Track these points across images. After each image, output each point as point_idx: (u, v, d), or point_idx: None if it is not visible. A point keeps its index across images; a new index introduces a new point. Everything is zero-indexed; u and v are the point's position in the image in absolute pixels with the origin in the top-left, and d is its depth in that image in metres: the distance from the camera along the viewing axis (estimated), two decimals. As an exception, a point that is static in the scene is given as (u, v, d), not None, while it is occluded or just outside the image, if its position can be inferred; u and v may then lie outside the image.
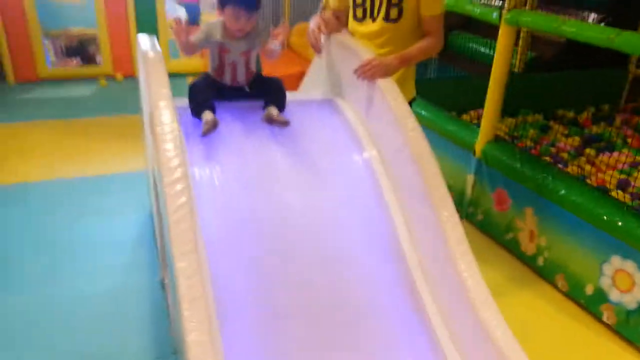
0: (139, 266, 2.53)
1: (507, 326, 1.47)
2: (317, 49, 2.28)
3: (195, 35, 1.96)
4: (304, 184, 1.85)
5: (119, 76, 5.33)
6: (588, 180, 2.70)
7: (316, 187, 1.86)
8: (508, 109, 3.99)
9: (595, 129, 3.70)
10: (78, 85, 5.14)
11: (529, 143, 3.30)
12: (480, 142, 2.95)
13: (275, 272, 1.64)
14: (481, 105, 2.97)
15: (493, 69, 2.82)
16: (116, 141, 3.87)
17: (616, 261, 2.24)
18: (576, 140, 3.42)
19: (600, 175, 2.89)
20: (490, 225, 2.95)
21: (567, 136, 3.57)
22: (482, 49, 4.63)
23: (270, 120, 1.94)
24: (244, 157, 1.86)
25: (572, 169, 2.93)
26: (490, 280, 2.50)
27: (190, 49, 1.97)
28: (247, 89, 2.06)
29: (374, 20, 2.14)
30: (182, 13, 5.81)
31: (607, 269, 2.28)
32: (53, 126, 4.14)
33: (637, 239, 2.14)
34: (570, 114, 4.06)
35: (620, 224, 2.20)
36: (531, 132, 3.65)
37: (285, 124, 1.93)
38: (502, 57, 2.76)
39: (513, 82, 4.53)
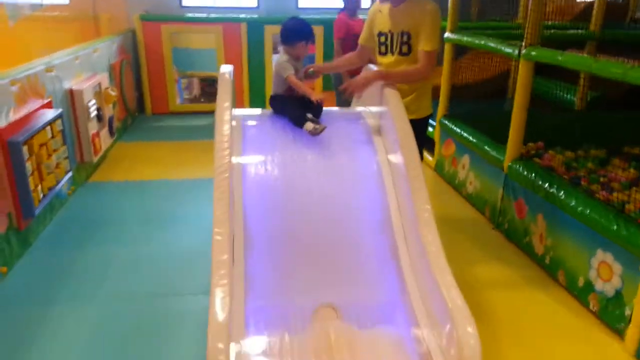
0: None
1: (453, 279, 1.84)
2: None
3: (289, 72, 2.63)
4: (325, 167, 2.49)
5: (230, 111, 6.43)
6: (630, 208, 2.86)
7: (334, 169, 2.49)
8: (569, 143, 4.31)
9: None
10: (198, 118, 6.32)
11: (561, 169, 3.62)
12: (506, 161, 3.39)
13: (293, 220, 2.30)
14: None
15: (515, 99, 3.27)
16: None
17: (600, 254, 2.57)
18: (632, 173, 3.58)
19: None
20: (514, 231, 3.33)
21: (624, 169, 3.79)
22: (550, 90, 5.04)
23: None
24: (286, 148, 2.55)
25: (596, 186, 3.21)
26: (507, 278, 3.02)
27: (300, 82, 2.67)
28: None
29: (392, 54, 2.80)
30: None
31: (594, 262, 2.61)
32: (172, 145, 5.31)
33: (613, 233, 2.47)
34: (636, 151, 4.24)
35: (603, 221, 2.55)
36: (589, 164, 3.93)
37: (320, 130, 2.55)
38: (522, 89, 3.21)
39: (573, 119, 4.82)
